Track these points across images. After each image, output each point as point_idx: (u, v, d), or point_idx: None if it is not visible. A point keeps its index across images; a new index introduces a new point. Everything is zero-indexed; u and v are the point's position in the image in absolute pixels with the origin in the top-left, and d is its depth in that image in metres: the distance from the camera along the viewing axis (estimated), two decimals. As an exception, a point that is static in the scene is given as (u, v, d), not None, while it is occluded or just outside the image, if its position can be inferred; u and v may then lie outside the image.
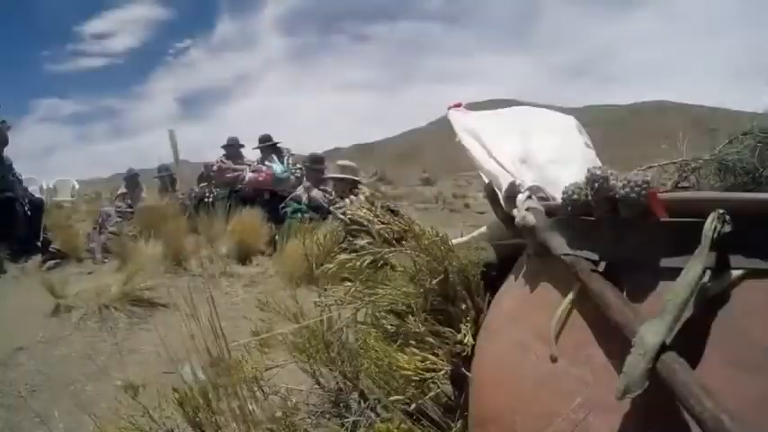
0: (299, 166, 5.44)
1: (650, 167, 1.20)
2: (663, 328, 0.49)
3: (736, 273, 0.54)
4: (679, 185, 1.16)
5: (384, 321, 0.95)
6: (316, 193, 4.71)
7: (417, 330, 0.84)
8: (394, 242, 0.90)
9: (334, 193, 4.68)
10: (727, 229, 0.53)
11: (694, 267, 0.51)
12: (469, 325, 0.87)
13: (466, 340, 0.84)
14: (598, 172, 0.65)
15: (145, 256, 3.58)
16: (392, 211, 1.06)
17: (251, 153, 6.16)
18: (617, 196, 0.63)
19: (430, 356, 0.80)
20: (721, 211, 0.53)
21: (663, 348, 0.50)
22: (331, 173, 4.93)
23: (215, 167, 5.82)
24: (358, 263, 0.89)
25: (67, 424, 1.75)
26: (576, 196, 0.68)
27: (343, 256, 0.92)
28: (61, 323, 2.77)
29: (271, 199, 5.25)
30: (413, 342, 0.84)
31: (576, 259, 0.66)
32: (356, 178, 4.74)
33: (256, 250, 4.20)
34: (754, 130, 1.20)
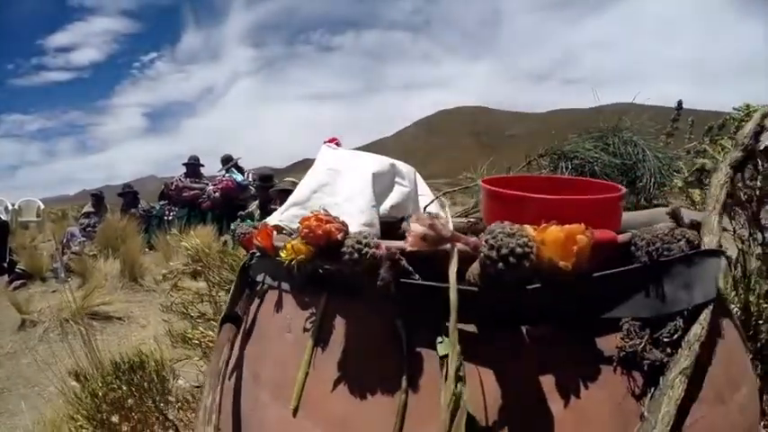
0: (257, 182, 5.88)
1: (450, 192, 1.39)
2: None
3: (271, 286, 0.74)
4: (474, 209, 1.25)
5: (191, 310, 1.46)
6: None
7: (211, 318, 1.35)
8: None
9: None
10: (254, 260, 0.77)
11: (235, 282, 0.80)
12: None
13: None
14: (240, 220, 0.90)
15: (103, 273, 4.00)
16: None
17: (212, 170, 6.61)
18: None
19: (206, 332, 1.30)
20: (253, 250, 0.77)
21: (224, 320, 0.75)
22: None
23: (173, 186, 6.22)
24: (172, 276, 1.38)
25: (32, 416, 2.20)
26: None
27: (163, 271, 1.41)
28: (27, 336, 3.20)
29: (228, 215, 5.67)
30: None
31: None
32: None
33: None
34: (549, 152, 1.44)
